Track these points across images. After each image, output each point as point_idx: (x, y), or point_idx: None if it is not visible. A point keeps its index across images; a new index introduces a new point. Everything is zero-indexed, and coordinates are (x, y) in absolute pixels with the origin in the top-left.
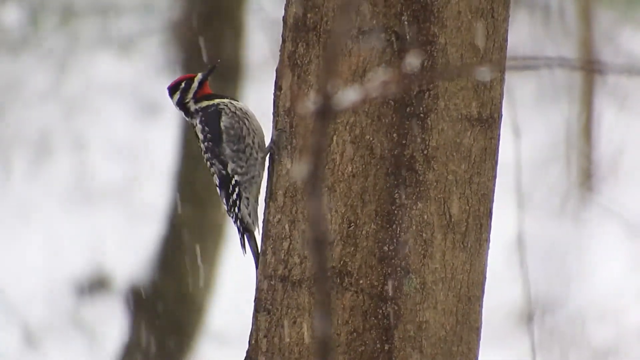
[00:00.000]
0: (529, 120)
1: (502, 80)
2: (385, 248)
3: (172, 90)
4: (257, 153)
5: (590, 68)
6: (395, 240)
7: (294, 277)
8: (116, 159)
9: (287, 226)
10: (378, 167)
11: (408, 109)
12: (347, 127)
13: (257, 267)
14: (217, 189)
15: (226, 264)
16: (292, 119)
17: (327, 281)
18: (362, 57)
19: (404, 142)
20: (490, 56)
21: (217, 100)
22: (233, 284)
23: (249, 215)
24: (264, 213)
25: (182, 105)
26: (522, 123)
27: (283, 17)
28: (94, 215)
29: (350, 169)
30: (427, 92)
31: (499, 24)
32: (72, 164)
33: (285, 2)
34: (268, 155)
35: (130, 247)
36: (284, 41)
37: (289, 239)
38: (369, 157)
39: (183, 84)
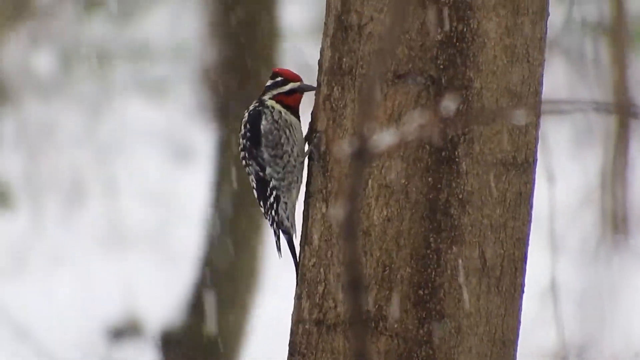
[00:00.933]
0: (564, 164)
1: (537, 125)
2: (420, 292)
3: (273, 75)
4: (295, 160)
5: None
6: (430, 284)
7: (329, 321)
8: (148, 203)
9: (322, 270)
10: (413, 211)
11: (443, 153)
12: (383, 171)
13: (297, 273)
14: (254, 190)
15: (260, 308)
16: (327, 163)
17: (362, 325)
18: (397, 101)
19: (439, 186)
20: (526, 100)
21: (277, 106)
22: (266, 329)
23: (287, 218)
24: (299, 257)
25: (264, 91)
26: (556, 168)
27: (318, 60)
28: (127, 259)
29: (385, 213)
30: (463, 137)
31: (535, 68)
32: (105, 208)
33: (320, 46)
34: (307, 161)
35: (162, 292)
36: (319, 85)
37: (324, 283)
38: (404, 201)
39: (279, 79)
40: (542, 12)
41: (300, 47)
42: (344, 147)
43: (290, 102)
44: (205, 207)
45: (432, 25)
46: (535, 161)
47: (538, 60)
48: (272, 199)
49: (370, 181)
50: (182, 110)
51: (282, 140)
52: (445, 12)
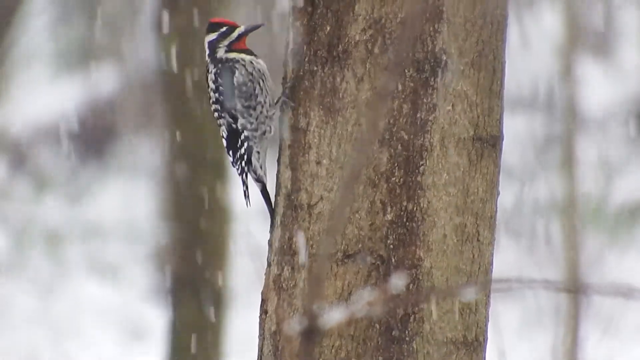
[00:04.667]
0: (515, 343)
1: (487, 304)
2: None
3: (211, 28)
4: (267, 111)
5: (575, 291)
6: None
7: None
8: None
9: None
10: None
11: (393, 332)
12: (333, 351)
13: (271, 216)
14: (224, 141)
15: None
16: (278, 342)
17: None
18: (347, 280)
19: None
20: (476, 279)
21: (242, 56)
22: None
23: (261, 167)
24: None
25: (212, 46)
26: (507, 347)
27: (269, 240)
28: None
29: None
30: (413, 315)
31: (485, 247)
32: None
33: (270, 226)
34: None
35: None
36: (269, 265)
37: None
38: None
39: (225, 29)
40: (492, 191)
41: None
42: (294, 326)
43: (242, 46)
44: None
45: (382, 205)
46: (485, 340)
47: (488, 239)
48: (242, 150)
49: None
50: (136, 290)
51: (257, 92)
52: (396, 191)
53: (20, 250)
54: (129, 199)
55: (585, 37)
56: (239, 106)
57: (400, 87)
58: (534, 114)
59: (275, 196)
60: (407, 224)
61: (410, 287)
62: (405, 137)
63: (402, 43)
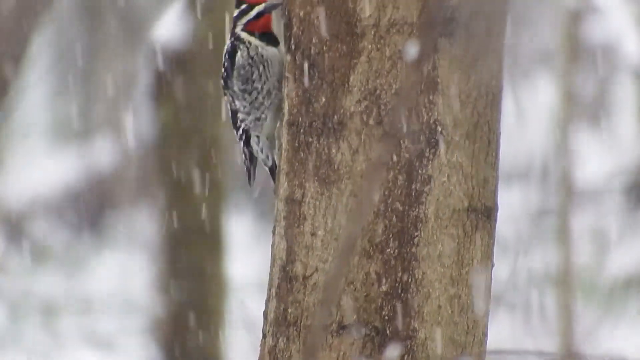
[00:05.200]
0: None
1: None
2: None
3: (237, 3)
4: (263, 98)
5: None
6: None
7: None
8: None
9: None
10: None
11: None
12: None
13: (275, 194)
14: (231, 119)
15: None
16: None
17: None
18: (342, 352)
19: None
20: (470, 350)
21: (251, 38)
22: None
23: (262, 151)
24: None
25: (234, 22)
26: None
27: (264, 312)
28: None
29: None
30: None
31: (479, 318)
32: None
33: (266, 297)
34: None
35: None
36: (264, 336)
37: None
38: None
39: (245, 6)
40: (487, 262)
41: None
42: None
43: (261, 28)
44: None
45: (377, 276)
46: None
47: (483, 310)
48: (240, 131)
49: None
50: None
51: (254, 77)
52: (391, 262)
53: (16, 322)
54: (125, 271)
55: (581, 108)
56: (236, 88)
57: (395, 159)
58: (529, 185)
59: (270, 268)
60: (402, 295)
61: (405, 358)
62: (400, 208)
63: (397, 114)
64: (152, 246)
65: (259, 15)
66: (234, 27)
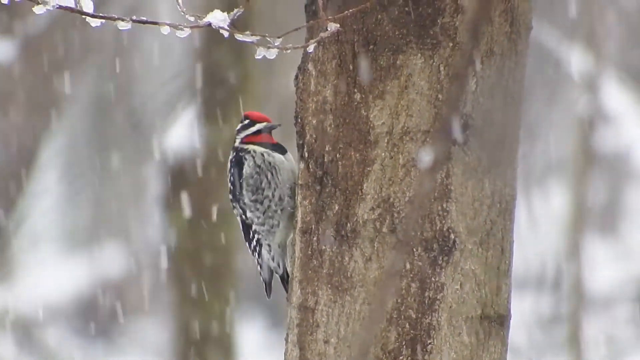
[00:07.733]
0: None
1: None
2: None
3: (243, 117)
4: (275, 205)
5: None
6: None
7: None
8: None
9: None
10: None
11: None
12: None
13: (288, 301)
14: (242, 232)
15: None
16: None
17: None
18: None
19: None
20: None
21: (254, 147)
22: None
23: (273, 259)
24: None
25: (237, 135)
26: None
27: None
28: None
29: None
30: None
31: None
32: None
33: None
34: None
35: None
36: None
37: None
38: None
39: (247, 122)
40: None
41: None
42: None
43: (261, 140)
44: None
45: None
46: None
47: None
48: (254, 242)
49: None
50: None
51: (263, 185)
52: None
53: None
54: None
55: (593, 216)
56: (246, 199)
57: (408, 266)
58: (541, 293)
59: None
60: None
61: None
62: (413, 315)
63: (410, 222)
64: (163, 354)
65: (257, 132)
66: (235, 140)
